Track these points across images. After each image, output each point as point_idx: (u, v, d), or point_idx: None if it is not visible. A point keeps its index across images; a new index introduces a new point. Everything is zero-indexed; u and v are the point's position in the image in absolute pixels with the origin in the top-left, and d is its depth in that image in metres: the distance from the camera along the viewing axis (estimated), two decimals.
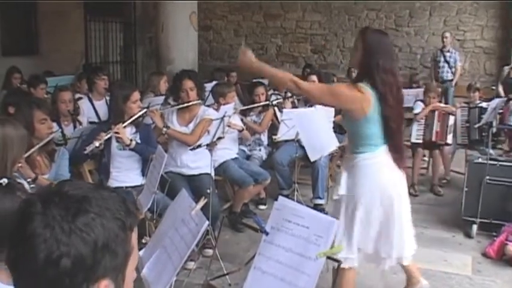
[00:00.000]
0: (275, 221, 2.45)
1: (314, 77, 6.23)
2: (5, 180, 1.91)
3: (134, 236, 1.19)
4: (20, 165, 3.08)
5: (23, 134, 2.84)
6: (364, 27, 3.34)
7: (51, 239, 1.06)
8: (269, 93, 6.52)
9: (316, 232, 2.28)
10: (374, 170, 3.09)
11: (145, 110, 4.59)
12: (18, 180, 2.67)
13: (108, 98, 5.80)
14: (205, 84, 5.51)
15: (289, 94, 6.60)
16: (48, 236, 1.06)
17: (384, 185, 3.08)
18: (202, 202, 2.65)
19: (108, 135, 4.23)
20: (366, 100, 2.98)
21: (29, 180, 3.47)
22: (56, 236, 1.06)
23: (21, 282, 1.10)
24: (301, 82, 3.06)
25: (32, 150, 3.60)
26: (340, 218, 3.10)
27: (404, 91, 3.40)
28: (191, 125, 4.82)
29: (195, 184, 4.67)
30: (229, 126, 5.12)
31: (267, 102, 6.01)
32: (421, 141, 6.54)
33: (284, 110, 5.86)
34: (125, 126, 4.34)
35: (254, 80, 6.40)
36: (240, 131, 5.57)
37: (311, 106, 5.47)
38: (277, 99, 6.65)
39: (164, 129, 4.67)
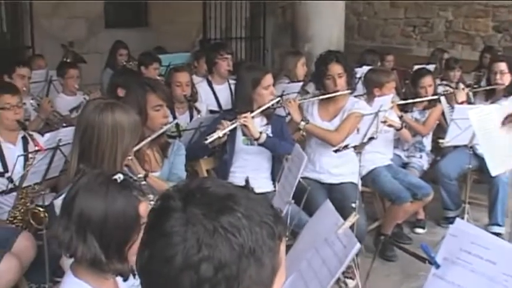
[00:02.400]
0: (449, 250, 2.40)
1: (501, 65, 5.95)
2: (120, 176, 2.11)
3: (283, 247, 1.23)
4: (130, 158, 3.25)
5: (136, 121, 2.97)
6: None
7: (191, 239, 1.11)
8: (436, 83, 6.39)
9: (506, 271, 2.20)
10: None
11: (279, 98, 4.70)
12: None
13: (231, 81, 5.99)
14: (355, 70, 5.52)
15: (462, 85, 6.43)
16: (189, 235, 1.12)
17: None
18: (353, 218, 2.68)
19: (234, 125, 4.36)
20: None
21: (139, 177, 3.65)
22: (198, 235, 1.11)
23: None
24: None
25: (144, 142, 3.74)
26: None
27: None
28: (336, 120, 4.89)
29: (336, 195, 4.70)
30: (385, 122, 5.11)
31: (436, 97, 5.92)
32: None
33: (456, 106, 5.69)
34: (253, 117, 4.45)
35: (417, 66, 6.30)
36: (399, 130, 5.53)
37: (493, 102, 5.31)
38: (446, 91, 6.51)
39: (302, 123, 4.75)
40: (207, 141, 4.23)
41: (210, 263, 1.10)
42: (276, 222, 1.19)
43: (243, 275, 1.12)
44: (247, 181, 1.32)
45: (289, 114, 4.86)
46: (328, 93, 4.85)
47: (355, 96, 5.35)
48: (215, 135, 4.22)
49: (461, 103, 6.02)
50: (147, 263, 1.17)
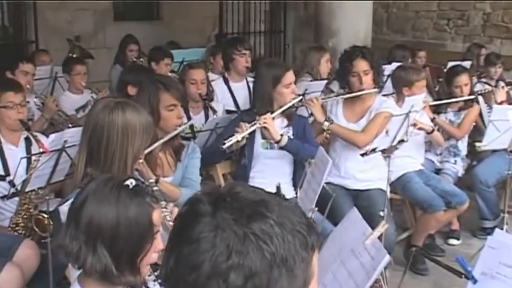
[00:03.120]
0: (487, 264, 2.39)
1: None
2: (132, 182, 2.12)
3: (315, 259, 1.24)
4: (141, 161, 3.23)
5: (148, 121, 2.97)
6: None
7: (220, 246, 1.13)
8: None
9: None
10: None
11: (300, 97, 4.69)
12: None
13: (249, 79, 5.98)
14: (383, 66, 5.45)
15: (502, 83, 6.40)
16: (218, 241, 1.13)
17: None
18: (381, 228, 2.68)
19: (253, 128, 4.35)
20: None
21: (150, 182, 3.59)
22: (228, 241, 1.13)
23: None
24: None
25: (156, 144, 3.72)
26: None
27: None
28: (362, 121, 4.89)
29: (362, 203, 4.69)
30: (414, 125, 5.09)
31: (472, 97, 5.88)
32: None
33: (494, 106, 5.67)
34: (274, 118, 4.45)
35: (452, 63, 6.28)
36: (430, 133, 5.50)
37: None
38: (483, 90, 6.49)
39: (326, 123, 4.74)
40: (224, 146, 4.23)
41: (240, 271, 1.11)
42: (309, 232, 1.20)
43: (274, 286, 1.13)
44: (278, 188, 1.33)
45: (311, 114, 4.87)
46: (354, 92, 4.85)
47: (383, 96, 5.35)
48: (233, 140, 4.22)
49: (501, 103, 6.01)
50: (172, 270, 1.19)
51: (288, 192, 4.55)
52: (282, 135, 4.45)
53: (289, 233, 1.16)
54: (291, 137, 4.56)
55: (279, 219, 1.16)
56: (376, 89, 4.91)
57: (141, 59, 7.57)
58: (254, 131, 4.44)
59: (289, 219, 1.18)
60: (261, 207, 1.16)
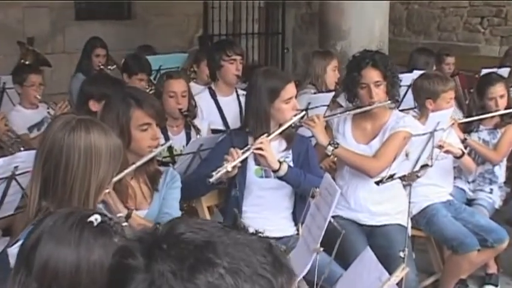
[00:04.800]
0: None
1: None
2: (97, 218, 2.10)
3: None
4: (108, 191, 3.20)
5: (117, 143, 2.95)
6: None
7: None
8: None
9: None
10: None
11: (303, 113, 4.72)
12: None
13: (241, 92, 5.96)
14: (401, 75, 5.37)
15: None
16: None
17: None
18: (401, 272, 2.67)
19: (246, 154, 4.33)
20: None
21: (120, 217, 3.65)
22: None
23: None
24: None
25: (127, 171, 3.72)
26: None
27: None
28: (375, 143, 4.90)
29: (378, 241, 4.70)
30: (440, 147, 5.08)
31: (510, 111, 5.86)
32: None
33: None
34: (270, 140, 4.44)
35: (486, 71, 6.30)
36: (459, 158, 5.45)
37: None
38: None
39: (329, 147, 4.72)
40: (211, 179, 4.16)
41: None
42: (275, 273, 1.17)
43: None
44: (236, 216, 1.28)
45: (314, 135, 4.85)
46: (363, 107, 4.85)
47: (402, 111, 5.33)
48: (222, 171, 4.17)
49: None
50: None
51: (287, 229, 4.65)
52: (280, 162, 4.44)
53: (246, 281, 1.13)
54: (291, 163, 4.56)
55: (232, 264, 1.14)
56: (389, 102, 4.91)
57: (110, 67, 7.60)
58: (247, 157, 4.42)
59: (247, 261, 1.15)
60: (207, 251, 1.14)
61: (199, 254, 1.13)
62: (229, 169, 4.19)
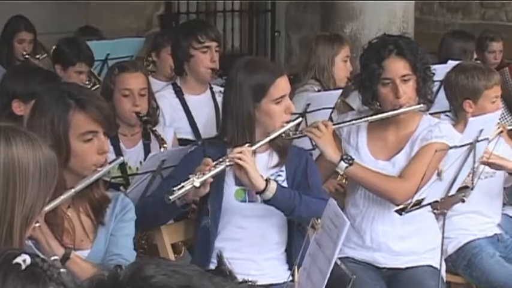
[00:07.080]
0: None
1: None
2: (25, 259, 1.96)
3: None
4: (38, 224, 3.11)
5: (49, 159, 2.76)
6: None
7: None
8: None
9: None
10: None
11: (300, 119, 4.53)
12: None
13: (216, 89, 5.78)
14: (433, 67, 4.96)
15: None
16: None
17: None
18: None
19: (221, 167, 4.01)
20: None
21: (54, 259, 3.39)
22: None
23: None
24: None
25: (63, 197, 3.52)
26: None
27: None
28: (400, 158, 4.60)
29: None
30: (486, 164, 4.72)
31: None
32: None
33: None
34: (255, 151, 4.17)
35: None
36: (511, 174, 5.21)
37: None
38: None
39: (342, 164, 4.36)
40: (172, 197, 3.84)
41: None
42: None
43: None
44: (220, 258, 1.40)
45: (317, 146, 4.48)
46: (385, 112, 4.50)
47: (433, 115, 5.07)
48: (187, 186, 3.85)
49: None
50: None
51: (279, 273, 4.33)
52: (267, 180, 4.09)
53: None
54: (284, 183, 4.24)
55: None
56: (422, 106, 4.55)
57: (38, 56, 7.42)
58: (224, 173, 4.14)
59: None
60: None
61: None
62: (197, 185, 3.89)
